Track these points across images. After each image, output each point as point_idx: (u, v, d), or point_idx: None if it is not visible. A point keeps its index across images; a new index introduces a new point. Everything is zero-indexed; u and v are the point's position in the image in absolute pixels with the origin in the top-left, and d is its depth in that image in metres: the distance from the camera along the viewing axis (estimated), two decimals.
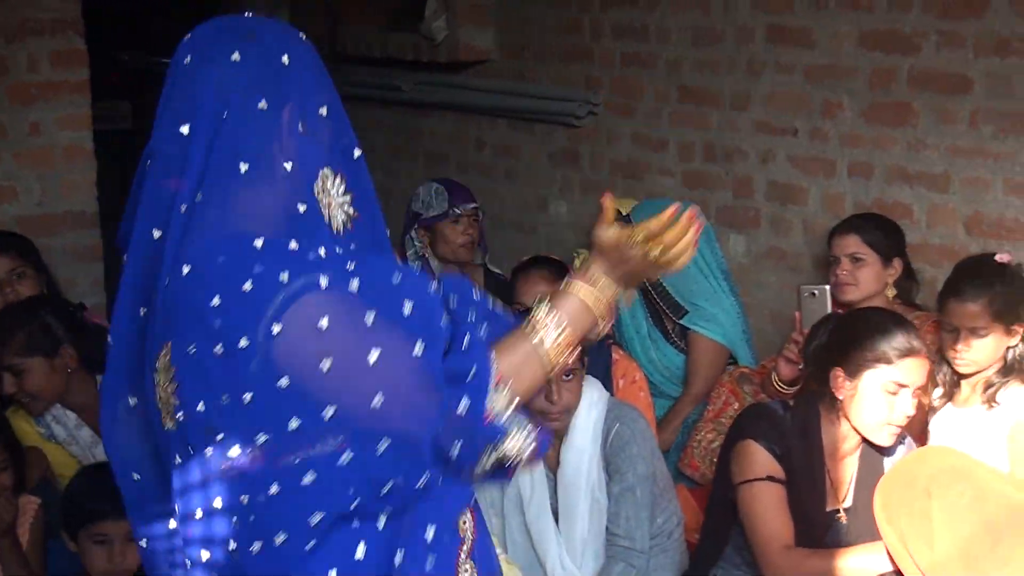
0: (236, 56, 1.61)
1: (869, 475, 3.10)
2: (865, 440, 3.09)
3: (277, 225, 1.57)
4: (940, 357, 3.24)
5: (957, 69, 3.62)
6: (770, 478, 3.09)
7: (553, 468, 3.36)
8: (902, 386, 2.93)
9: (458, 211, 4.40)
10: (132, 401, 1.63)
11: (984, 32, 3.51)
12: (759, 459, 3.13)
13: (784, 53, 4.09)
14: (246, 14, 1.73)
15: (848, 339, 3.09)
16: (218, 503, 1.51)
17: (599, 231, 1.63)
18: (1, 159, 4.23)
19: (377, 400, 1.44)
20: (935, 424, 3.32)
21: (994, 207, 3.62)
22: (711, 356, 4.07)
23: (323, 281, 1.47)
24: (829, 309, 3.61)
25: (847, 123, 3.97)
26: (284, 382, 1.44)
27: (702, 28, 4.35)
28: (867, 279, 3.66)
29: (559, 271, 3.83)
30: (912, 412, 3.00)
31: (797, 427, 3.16)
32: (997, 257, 3.29)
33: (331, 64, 4.94)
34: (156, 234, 1.56)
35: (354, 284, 1.50)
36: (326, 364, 1.45)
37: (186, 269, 1.48)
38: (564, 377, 3.19)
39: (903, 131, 3.84)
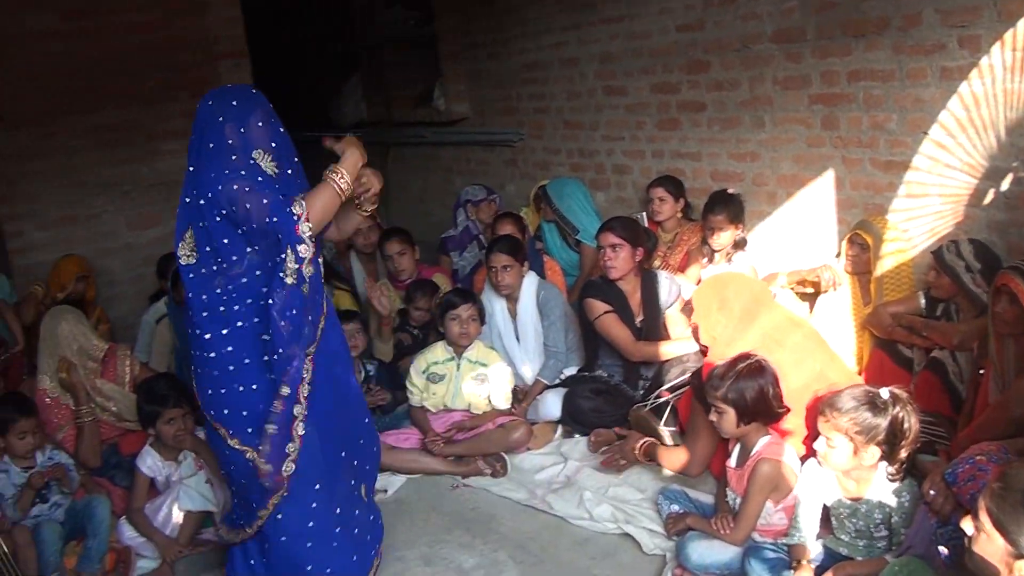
0: (210, 102, 2.95)
1: (648, 299, 4.57)
2: (642, 283, 4.55)
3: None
4: (705, 243, 5.03)
5: None
6: (606, 312, 4.50)
7: (513, 315, 4.96)
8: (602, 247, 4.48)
9: (488, 197, 6.46)
10: None
11: None
12: (597, 305, 4.53)
13: (611, 100, 5.91)
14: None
15: None
16: None
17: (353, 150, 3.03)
18: None
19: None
20: (705, 272, 4.93)
21: None
22: (591, 255, 5.61)
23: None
24: (645, 224, 5.28)
25: (646, 134, 5.77)
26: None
27: (570, 92, 6.34)
28: (668, 213, 5.32)
29: (518, 218, 5.73)
30: (609, 265, 4.46)
31: (607, 284, 4.58)
32: (729, 190, 5.02)
33: (388, 126, 7.59)
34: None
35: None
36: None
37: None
38: (503, 269, 4.78)
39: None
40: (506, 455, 4.51)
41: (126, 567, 3.90)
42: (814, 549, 3.17)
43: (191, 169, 2.99)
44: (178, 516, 3.98)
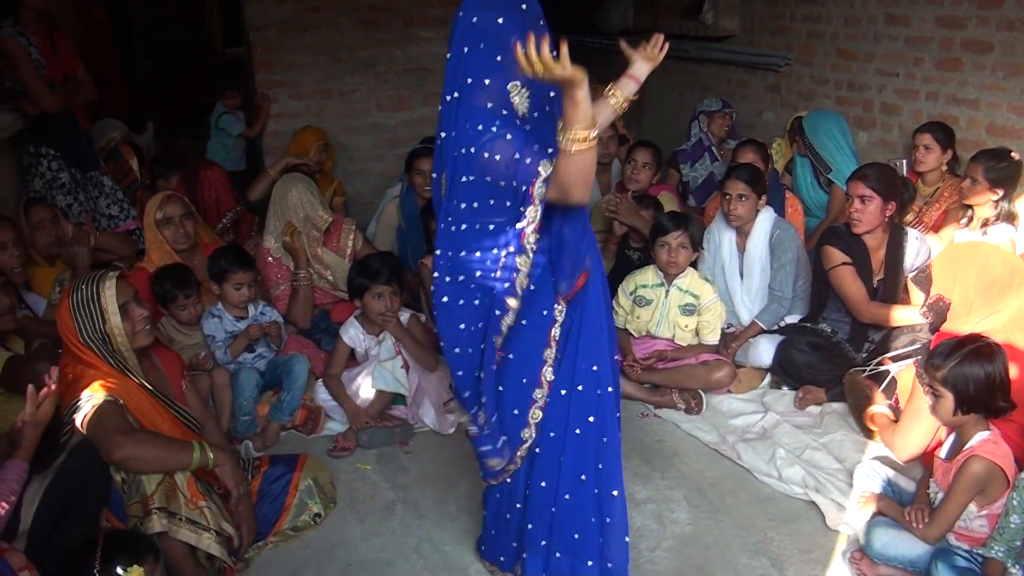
0: (475, 19, 2.39)
1: (891, 258, 4.25)
2: (889, 240, 4.18)
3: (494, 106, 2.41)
4: (963, 204, 4.59)
5: None
6: (844, 263, 4.23)
7: (741, 250, 4.70)
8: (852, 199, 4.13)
9: (723, 110, 6.31)
10: None
11: None
12: (836, 254, 4.24)
13: (891, 29, 5.51)
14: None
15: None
16: None
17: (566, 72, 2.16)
18: None
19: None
20: (958, 235, 4.54)
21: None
22: (840, 198, 5.27)
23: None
24: (905, 173, 4.97)
25: (923, 72, 5.28)
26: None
27: (848, 16, 5.86)
28: (932, 163, 4.92)
29: (761, 147, 5.48)
30: (855, 217, 4.10)
31: (850, 234, 4.25)
32: (1013, 154, 4.47)
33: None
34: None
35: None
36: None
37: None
38: (738, 198, 4.53)
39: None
40: (704, 393, 4.38)
41: (315, 424, 4.14)
42: (1012, 568, 2.80)
43: (455, 96, 2.45)
44: (369, 391, 4.12)
